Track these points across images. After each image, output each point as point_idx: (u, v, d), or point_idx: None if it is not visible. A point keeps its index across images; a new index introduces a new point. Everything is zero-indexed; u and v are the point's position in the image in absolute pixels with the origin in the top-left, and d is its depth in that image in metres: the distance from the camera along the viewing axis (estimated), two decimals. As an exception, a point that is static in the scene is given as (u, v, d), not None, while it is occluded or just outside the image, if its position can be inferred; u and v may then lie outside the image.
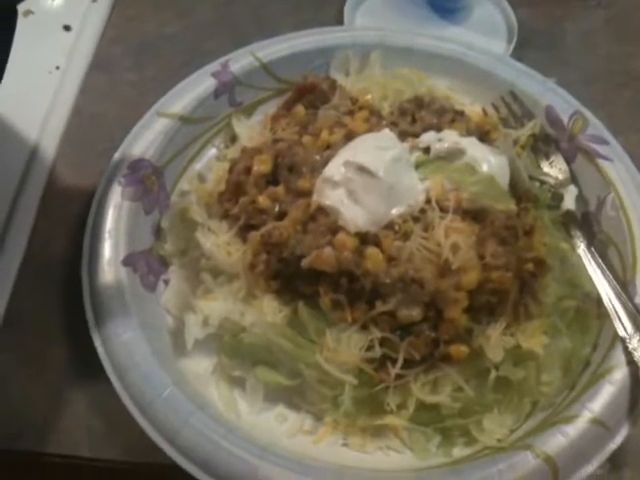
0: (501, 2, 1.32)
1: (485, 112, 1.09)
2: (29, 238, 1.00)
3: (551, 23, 1.34)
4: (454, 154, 0.89)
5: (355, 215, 0.82)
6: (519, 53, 1.22)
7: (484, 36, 1.27)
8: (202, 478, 0.73)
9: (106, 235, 0.88)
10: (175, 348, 0.87)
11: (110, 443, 0.84)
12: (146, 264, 0.90)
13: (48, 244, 0.99)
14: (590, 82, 1.22)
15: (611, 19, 1.35)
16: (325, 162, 0.87)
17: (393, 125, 0.96)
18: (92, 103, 1.17)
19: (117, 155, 0.95)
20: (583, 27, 1.34)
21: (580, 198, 0.99)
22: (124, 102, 1.15)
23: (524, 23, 1.28)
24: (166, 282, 0.92)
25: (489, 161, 0.89)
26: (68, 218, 1.00)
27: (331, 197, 0.83)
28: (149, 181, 0.94)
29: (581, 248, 0.93)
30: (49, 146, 1.10)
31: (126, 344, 0.80)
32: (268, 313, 0.82)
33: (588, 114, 1.03)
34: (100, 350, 0.81)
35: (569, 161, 1.02)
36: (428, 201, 0.84)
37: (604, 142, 1.00)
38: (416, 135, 0.94)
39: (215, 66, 1.05)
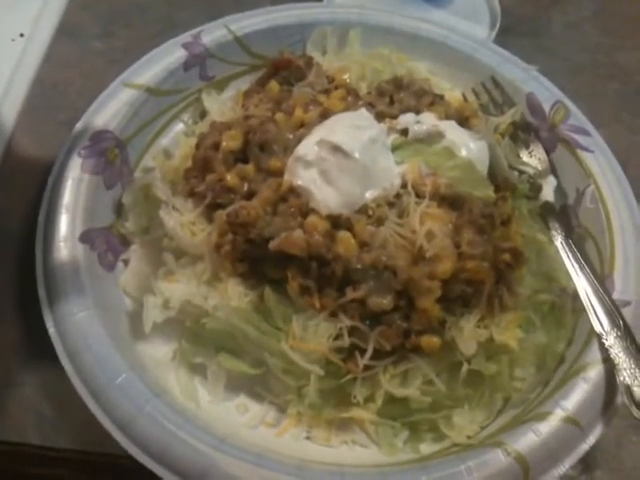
0: (484, -14, 1.29)
1: (465, 98, 1.06)
2: (-17, 210, 0.94)
3: (537, 10, 1.31)
4: (433, 137, 0.86)
5: (327, 197, 0.79)
6: (502, 40, 1.18)
7: (466, 21, 1.24)
8: (156, 470, 0.69)
9: (63, 209, 0.83)
10: (133, 331, 0.82)
11: (60, 430, 0.79)
12: (105, 242, 0.85)
13: (3, 216, 0.94)
14: (575, 73, 1.20)
15: (598, 10, 1.33)
16: (298, 141, 0.84)
17: (370, 106, 0.93)
18: (56, 71, 1.11)
19: (79, 125, 0.90)
20: (570, 16, 1.31)
21: (559, 189, 0.96)
22: (90, 71, 1.10)
23: (508, 9, 1.25)
24: (125, 262, 0.87)
25: (468, 146, 0.86)
26: (26, 190, 0.94)
27: (303, 177, 0.80)
28: (111, 154, 0.89)
29: (558, 241, 0.90)
30: (8, 115, 1.05)
31: (79, 324, 0.76)
32: (233, 297, 0.78)
33: (570, 104, 1.01)
34: (51, 330, 0.76)
35: (549, 151, 0.99)
36: (404, 185, 0.81)
37: (585, 133, 0.98)
38: (394, 117, 0.91)
39: (186, 37, 1.00)
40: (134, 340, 0.82)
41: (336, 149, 0.79)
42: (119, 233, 0.88)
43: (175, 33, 1.02)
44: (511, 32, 1.23)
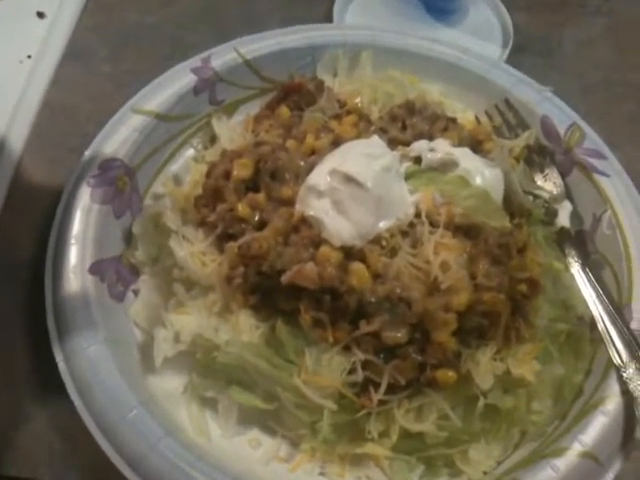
0: (497, 5, 1.27)
1: (478, 120, 1.04)
2: (-8, 237, 0.93)
3: (549, 29, 1.30)
4: (447, 165, 0.84)
5: (340, 228, 0.77)
6: (515, 59, 1.17)
7: (478, 40, 1.23)
8: (167, 509, 0.68)
9: (72, 240, 0.82)
10: (143, 365, 0.81)
11: (71, 466, 0.78)
12: (115, 272, 0.84)
13: (12, 245, 0.93)
14: (588, 92, 1.18)
15: (610, 27, 1.31)
16: (310, 168, 0.82)
17: (382, 131, 0.92)
18: (64, 95, 1.10)
19: (87, 153, 0.89)
20: (582, 34, 1.30)
21: (575, 215, 0.95)
22: (98, 95, 1.09)
23: (520, 28, 1.24)
24: (135, 292, 0.86)
25: (483, 174, 0.84)
26: (34, 218, 0.94)
27: (315, 207, 0.78)
28: (121, 182, 0.88)
29: (575, 268, 0.89)
30: (17, 140, 1.04)
31: (90, 359, 0.75)
32: (244, 330, 0.77)
33: (585, 126, 0.99)
34: (61, 365, 0.75)
35: (564, 175, 0.98)
36: (418, 215, 0.79)
37: (601, 156, 0.96)
38: (406, 143, 0.89)
39: (195, 61, 0.99)
40: (144, 373, 0.80)
41: (349, 179, 0.77)
42: (129, 263, 0.87)
43: (183, 55, 1.01)
44: (523, 51, 1.22)
